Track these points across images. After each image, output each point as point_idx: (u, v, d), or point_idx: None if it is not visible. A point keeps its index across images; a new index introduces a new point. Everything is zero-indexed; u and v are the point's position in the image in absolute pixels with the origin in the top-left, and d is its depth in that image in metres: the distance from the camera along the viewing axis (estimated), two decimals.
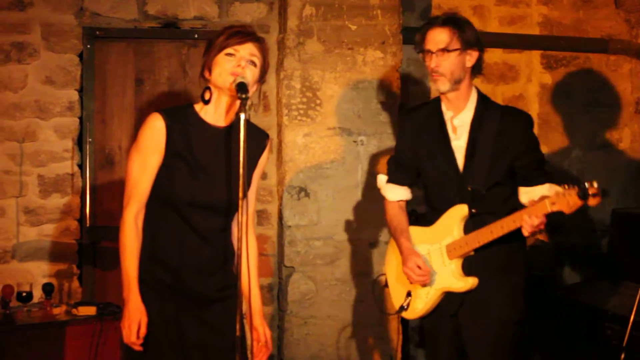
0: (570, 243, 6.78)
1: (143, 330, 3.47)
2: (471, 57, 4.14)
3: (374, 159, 5.83)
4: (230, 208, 3.58)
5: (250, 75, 3.53)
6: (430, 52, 4.11)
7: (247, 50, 3.55)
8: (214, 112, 3.61)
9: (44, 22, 5.78)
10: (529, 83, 6.76)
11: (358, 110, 5.83)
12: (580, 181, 3.66)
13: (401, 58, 5.91)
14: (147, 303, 3.54)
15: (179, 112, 3.63)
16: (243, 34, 3.56)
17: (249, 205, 3.75)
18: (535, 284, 5.76)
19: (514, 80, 6.72)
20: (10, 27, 5.73)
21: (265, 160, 3.85)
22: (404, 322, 5.96)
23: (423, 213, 4.52)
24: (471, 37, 4.12)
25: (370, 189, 5.82)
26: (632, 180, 6.90)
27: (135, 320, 3.46)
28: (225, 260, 3.63)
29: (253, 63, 3.57)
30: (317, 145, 5.79)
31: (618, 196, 6.83)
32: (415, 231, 4.37)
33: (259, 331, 3.75)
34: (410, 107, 4.66)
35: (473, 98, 4.20)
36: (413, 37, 6.16)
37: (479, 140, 4.11)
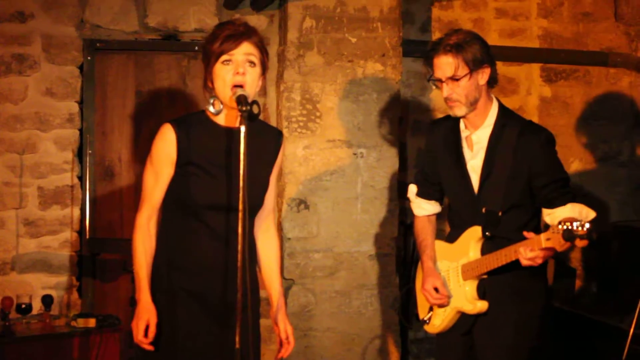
0: (570, 256, 6.78)
1: (152, 330, 3.47)
2: (483, 74, 4.01)
3: (373, 172, 5.83)
4: (251, 208, 3.53)
5: (250, 77, 3.52)
6: (440, 80, 3.98)
7: (243, 51, 3.51)
8: (225, 115, 3.61)
9: (44, 34, 5.80)
10: (528, 96, 6.77)
11: (358, 122, 5.83)
12: (572, 221, 3.47)
13: (401, 71, 5.92)
14: (165, 310, 3.56)
15: (191, 119, 3.64)
16: (235, 36, 3.51)
17: (270, 202, 3.83)
18: None
19: (514, 93, 6.73)
20: (11, 39, 5.76)
21: (282, 156, 3.89)
22: (404, 335, 5.96)
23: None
24: (479, 55, 3.96)
25: (370, 201, 5.83)
26: (632, 193, 6.90)
27: (143, 319, 3.47)
28: (249, 261, 3.59)
29: (251, 63, 3.54)
30: (317, 158, 5.79)
31: (618, 209, 6.84)
32: (440, 246, 4.30)
33: (280, 328, 3.82)
34: (434, 120, 4.55)
35: (493, 112, 4.08)
36: (413, 49, 6.25)
37: (495, 160, 3.99)
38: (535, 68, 6.79)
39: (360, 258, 5.85)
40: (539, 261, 3.71)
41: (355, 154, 5.83)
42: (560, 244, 3.51)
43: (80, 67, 5.89)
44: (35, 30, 5.79)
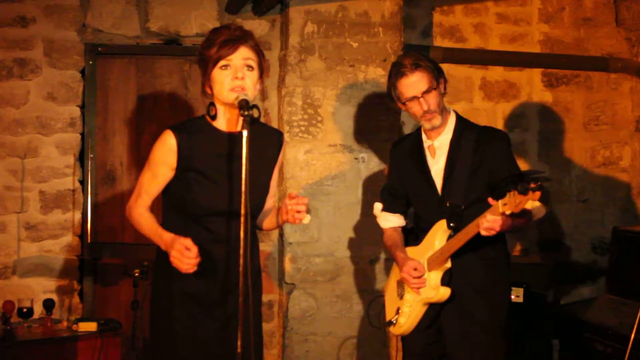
0: (571, 261, 6.79)
1: (194, 249, 3.38)
2: (443, 84, 4.32)
3: (375, 176, 5.84)
4: (252, 211, 3.53)
5: (250, 81, 3.53)
6: (416, 97, 4.20)
7: (240, 56, 3.53)
8: (225, 120, 3.61)
9: (46, 38, 5.81)
10: (529, 101, 6.77)
11: (359, 127, 5.83)
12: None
13: None
14: (166, 314, 3.58)
15: (192, 125, 3.65)
16: (232, 41, 3.52)
17: (270, 203, 3.87)
18: (535, 302, 5.76)
19: (515, 98, 6.73)
20: (12, 44, 5.76)
21: (283, 155, 3.93)
22: (404, 339, 5.95)
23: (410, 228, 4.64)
24: (437, 67, 4.28)
25: (371, 205, 5.82)
26: (633, 198, 6.90)
27: (178, 242, 3.39)
28: (251, 265, 3.58)
29: (250, 67, 3.55)
30: (318, 162, 5.80)
31: (618, 214, 6.84)
32: (408, 250, 4.47)
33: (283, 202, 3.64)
34: (396, 140, 4.85)
35: (452, 119, 4.36)
36: None
37: (457, 160, 4.25)
38: (536, 73, 6.80)
39: (361, 263, 5.85)
40: (497, 228, 3.87)
41: (356, 159, 5.84)
42: (515, 204, 3.68)
43: (82, 72, 5.90)
44: (37, 34, 5.80)
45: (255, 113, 3.32)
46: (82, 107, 5.91)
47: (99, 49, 5.94)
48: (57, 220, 5.84)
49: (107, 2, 5.91)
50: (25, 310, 5.36)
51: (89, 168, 5.91)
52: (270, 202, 3.87)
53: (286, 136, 5.73)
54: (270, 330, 6.05)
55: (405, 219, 4.66)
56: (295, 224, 3.65)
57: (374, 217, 4.74)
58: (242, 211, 3.23)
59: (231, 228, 3.57)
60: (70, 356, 5.25)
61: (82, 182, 5.90)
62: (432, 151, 4.35)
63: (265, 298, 5.99)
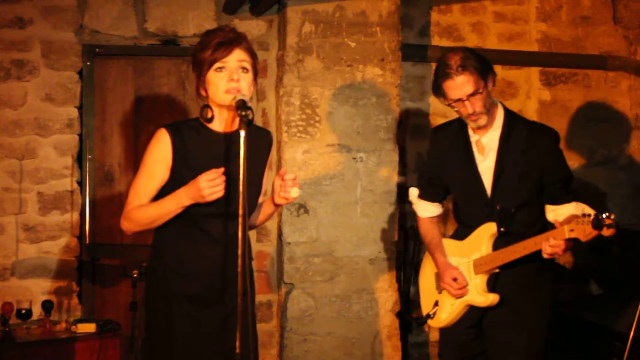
0: (569, 260, 6.79)
1: (214, 170, 3.35)
2: (491, 80, 4.17)
3: (373, 176, 5.83)
4: (248, 211, 3.52)
5: (245, 83, 3.53)
6: (461, 100, 4.08)
7: (235, 58, 3.53)
8: (219, 122, 3.61)
9: (43, 39, 5.80)
10: (528, 99, 6.77)
11: (357, 126, 5.83)
12: (598, 212, 3.70)
13: (400, 75, 5.92)
14: (164, 315, 3.58)
15: (186, 125, 3.64)
16: (227, 43, 3.52)
17: (262, 194, 3.83)
18: None
19: (513, 97, 6.73)
20: (10, 45, 5.76)
21: (273, 154, 3.87)
22: (404, 339, 5.95)
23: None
24: (485, 65, 4.14)
25: (370, 205, 5.83)
26: (631, 196, 6.90)
27: (204, 179, 3.34)
28: (248, 265, 3.58)
29: (244, 69, 3.55)
30: (316, 162, 5.79)
31: (617, 212, 6.82)
32: (448, 244, 4.42)
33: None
34: (438, 126, 4.62)
35: (500, 115, 4.23)
36: (412, 54, 6.26)
37: (506, 159, 4.14)
38: (534, 72, 6.80)
39: (360, 262, 5.85)
40: (560, 252, 3.86)
41: (354, 158, 5.83)
42: (585, 234, 3.69)
43: (80, 73, 5.90)
44: (35, 35, 5.80)
45: (249, 115, 3.32)
46: (80, 108, 5.90)
47: (97, 49, 5.94)
48: (56, 222, 5.83)
49: (105, 3, 5.91)
50: (24, 311, 5.36)
51: (87, 169, 5.90)
52: (261, 200, 3.87)
53: (284, 136, 5.73)
54: (269, 330, 6.05)
55: (442, 207, 4.57)
56: (285, 202, 3.62)
57: (410, 203, 4.64)
58: (240, 211, 3.23)
59: (227, 228, 3.57)
60: (69, 357, 5.24)
61: (80, 183, 5.90)
62: (480, 147, 4.22)
63: (264, 298, 6.00)
